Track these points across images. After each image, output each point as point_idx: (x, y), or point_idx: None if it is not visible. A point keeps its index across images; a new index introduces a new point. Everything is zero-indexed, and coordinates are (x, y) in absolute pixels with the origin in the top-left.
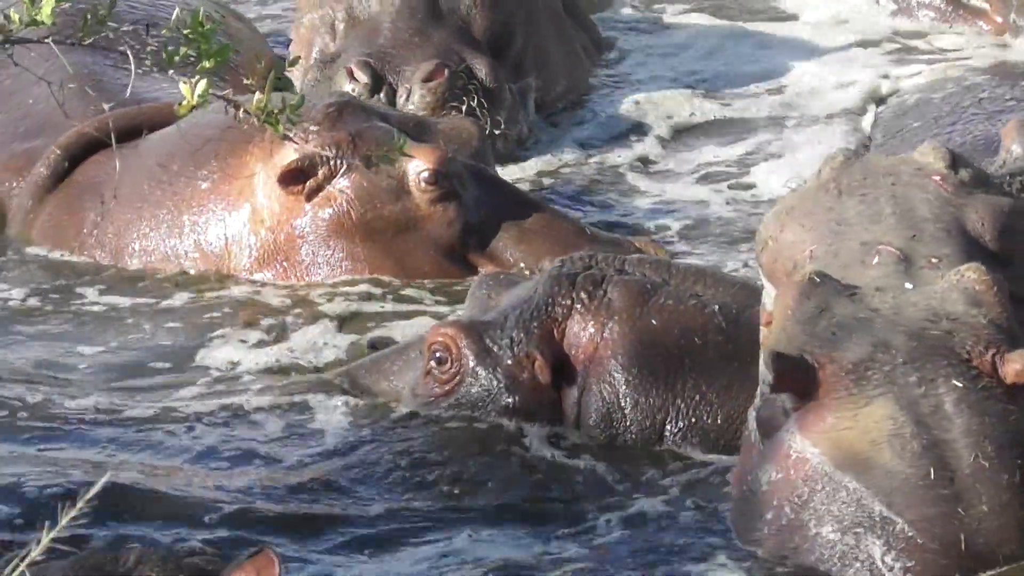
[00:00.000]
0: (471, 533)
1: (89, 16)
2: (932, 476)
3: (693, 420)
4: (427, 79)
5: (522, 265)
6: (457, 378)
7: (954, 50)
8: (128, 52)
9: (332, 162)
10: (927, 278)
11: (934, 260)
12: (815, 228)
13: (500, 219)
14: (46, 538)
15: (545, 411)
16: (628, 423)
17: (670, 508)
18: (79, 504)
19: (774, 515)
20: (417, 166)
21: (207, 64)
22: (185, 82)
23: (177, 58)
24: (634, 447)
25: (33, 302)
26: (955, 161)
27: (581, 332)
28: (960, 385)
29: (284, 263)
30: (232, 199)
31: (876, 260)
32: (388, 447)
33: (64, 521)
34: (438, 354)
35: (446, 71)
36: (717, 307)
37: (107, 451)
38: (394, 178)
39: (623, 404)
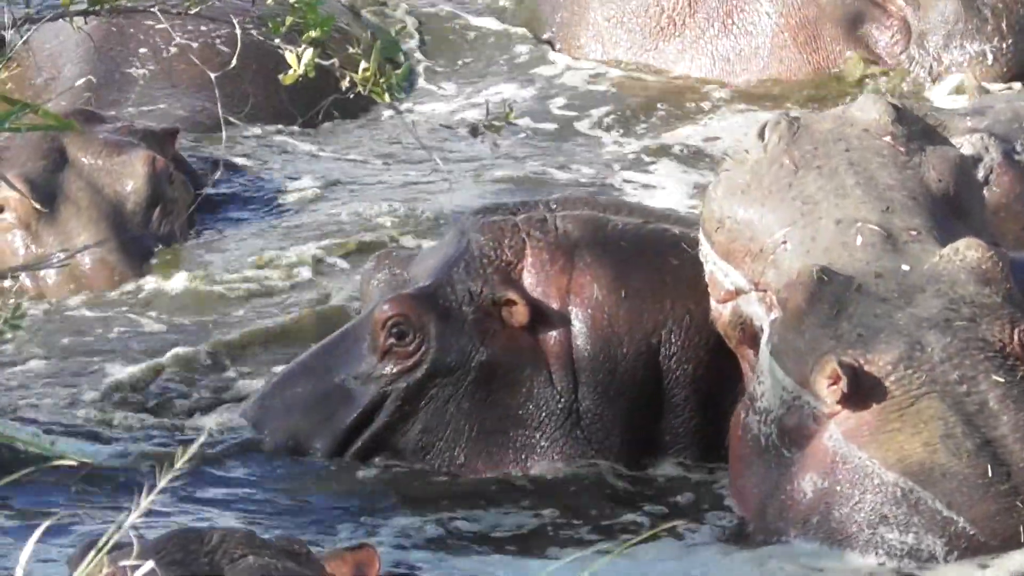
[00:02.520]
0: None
1: None
2: (990, 473)
3: (686, 342)
4: None
5: None
6: (423, 348)
7: None
8: (234, 21)
9: None
10: (915, 253)
11: (912, 232)
12: (779, 208)
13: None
14: (146, 500)
15: (526, 357)
16: (625, 349)
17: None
18: (177, 464)
19: (821, 519)
20: None
21: (313, 34)
22: (291, 51)
23: (283, 28)
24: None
25: None
26: (900, 115)
27: (547, 267)
28: (1002, 380)
29: None
30: None
31: (860, 240)
32: None
33: (163, 483)
34: (396, 328)
35: None
36: (676, 230)
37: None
38: None
39: (616, 327)
